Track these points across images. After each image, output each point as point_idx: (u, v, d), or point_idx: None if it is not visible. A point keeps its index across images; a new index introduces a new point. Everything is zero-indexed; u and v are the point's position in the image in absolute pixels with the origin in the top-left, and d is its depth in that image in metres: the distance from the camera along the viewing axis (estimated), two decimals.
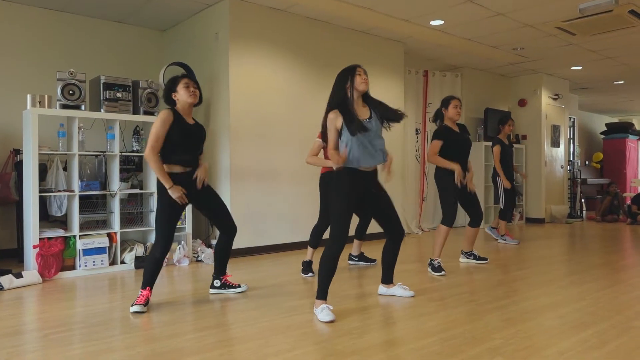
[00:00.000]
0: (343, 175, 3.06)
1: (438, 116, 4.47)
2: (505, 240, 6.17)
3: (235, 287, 3.63)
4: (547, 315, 3.03)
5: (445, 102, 4.39)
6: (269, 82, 5.40)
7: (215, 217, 3.44)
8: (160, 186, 3.18)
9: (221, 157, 5.19)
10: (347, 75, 3.09)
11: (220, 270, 3.59)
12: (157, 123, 3.14)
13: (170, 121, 3.16)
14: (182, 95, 3.22)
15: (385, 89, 6.55)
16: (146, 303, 3.17)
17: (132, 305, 3.15)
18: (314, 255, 4.31)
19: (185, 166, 3.25)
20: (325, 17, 5.69)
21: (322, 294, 3.02)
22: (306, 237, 5.64)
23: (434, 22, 5.89)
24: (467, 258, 4.83)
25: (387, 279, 3.49)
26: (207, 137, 5.37)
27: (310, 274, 4.22)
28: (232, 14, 5.10)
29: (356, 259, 4.72)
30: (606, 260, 4.94)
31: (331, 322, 2.88)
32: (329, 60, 5.94)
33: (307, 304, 3.31)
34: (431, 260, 4.33)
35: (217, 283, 3.60)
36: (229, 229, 3.48)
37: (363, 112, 3.13)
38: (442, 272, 4.23)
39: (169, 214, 3.20)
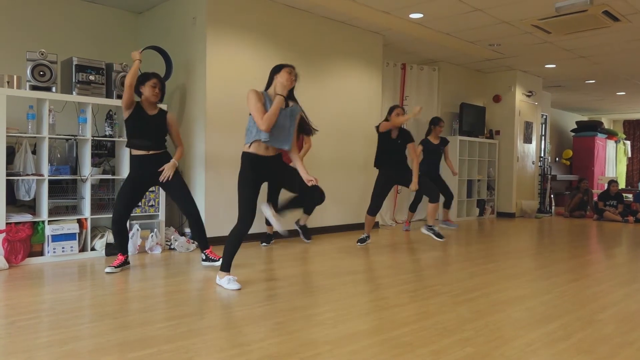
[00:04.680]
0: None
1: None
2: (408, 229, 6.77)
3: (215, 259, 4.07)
4: (515, 307, 3.10)
5: (390, 110, 5.22)
6: (246, 69, 5.34)
7: (178, 200, 4.00)
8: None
9: (196, 144, 5.12)
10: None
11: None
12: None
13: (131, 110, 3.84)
14: (146, 92, 3.84)
15: (363, 81, 6.55)
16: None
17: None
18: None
19: (147, 150, 3.84)
20: (305, 5, 5.65)
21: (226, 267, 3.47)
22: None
23: (413, 15, 5.91)
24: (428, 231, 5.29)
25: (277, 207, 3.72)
26: (182, 124, 5.30)
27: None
28: None
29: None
30: (572, 255, 5.08)
31: (238, 289, 3.34)
32: (307, 50, 5.90)
33: (282, 293, 3.31)
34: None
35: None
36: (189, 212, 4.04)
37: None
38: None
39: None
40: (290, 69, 3.45)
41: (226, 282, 3.39)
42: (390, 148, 5.22)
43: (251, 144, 3.37)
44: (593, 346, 2.45)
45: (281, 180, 3.55)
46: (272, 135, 3.32)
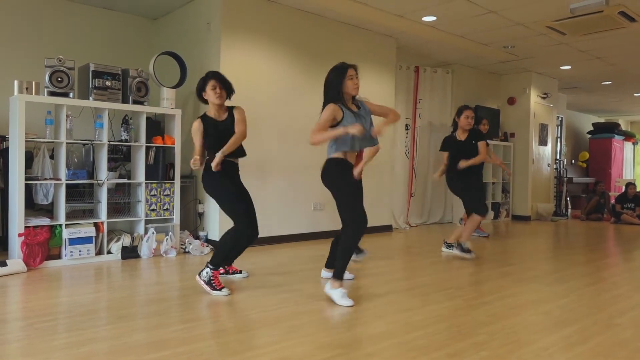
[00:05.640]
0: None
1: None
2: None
3: (237, 272, 3.88)
4: (531, 311, 3.07)
5: (459, 112, 4.85)
6: (260, 74, 5.37)
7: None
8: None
9: None
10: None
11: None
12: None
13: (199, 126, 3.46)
14: (209, 96, 3.44)
15: (377, 84, 6.55)
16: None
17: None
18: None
19: (233, 157, 3.51)
20: (318, 10, 5.67)
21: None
22: (296, 229, 5.66)
23: (426, 18, 5.90)
24: (448, 249, 5.07)
25: (331, 265, 3.66)
26: None
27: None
28: (224, 4, 5.06)
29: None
30: (590, 258, 5.01)
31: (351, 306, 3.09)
32: (321, 53, 5.92)
33: (295, 296, 3.31)
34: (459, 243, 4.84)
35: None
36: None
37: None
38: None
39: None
40: (351, 71, 3.25)
41: (339, 296, 3.12)
42: (463, 153, 4.74)
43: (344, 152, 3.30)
44: (610, 351, 2.41)
45: None
46: (361, 141, 3.33)
